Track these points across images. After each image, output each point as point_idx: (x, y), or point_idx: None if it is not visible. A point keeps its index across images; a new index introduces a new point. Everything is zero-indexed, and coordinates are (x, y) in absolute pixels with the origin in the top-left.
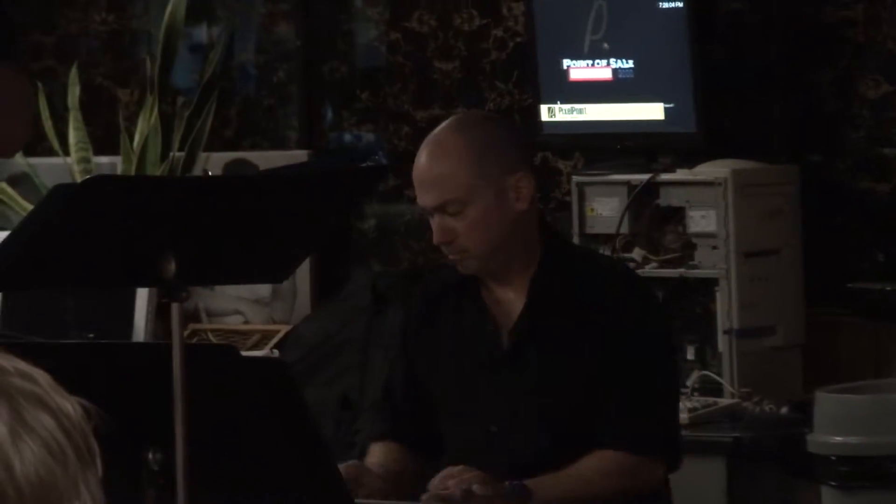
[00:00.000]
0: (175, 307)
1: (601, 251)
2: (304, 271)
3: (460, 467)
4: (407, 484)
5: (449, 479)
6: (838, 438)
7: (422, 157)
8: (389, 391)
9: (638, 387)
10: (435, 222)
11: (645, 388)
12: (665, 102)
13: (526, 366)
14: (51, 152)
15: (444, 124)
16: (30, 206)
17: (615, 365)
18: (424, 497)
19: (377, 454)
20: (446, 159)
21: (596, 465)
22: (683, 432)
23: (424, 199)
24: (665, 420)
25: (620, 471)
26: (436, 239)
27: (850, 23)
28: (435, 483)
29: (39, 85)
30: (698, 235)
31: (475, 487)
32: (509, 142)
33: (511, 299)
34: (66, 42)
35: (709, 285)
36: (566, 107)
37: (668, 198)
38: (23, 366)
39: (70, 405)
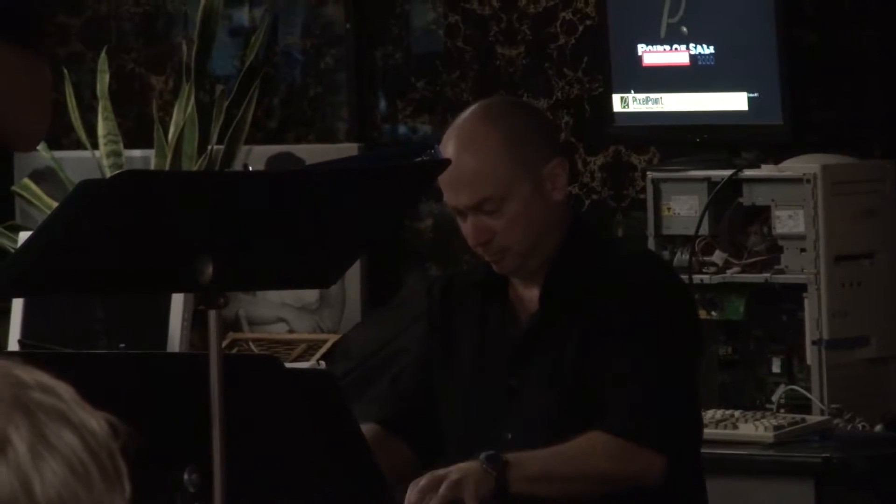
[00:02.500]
0: (212, 315)
1: (678, 254)
2: (353, 276)
3: (434, 481)
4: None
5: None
6: None
7: (449, 153)
8: (400, 381)
9: (638, 374)
10: (469, 223)
11: (646, 376)
12: (749, 92)
13: (539, 365)
14: (78, 145)
15: (468, 114)
16: (55, 204)
17: (618, 351)
18: None
19: (367, 437)
20: (480, 154)
21: (582, 445)
22: (767, 452)
23: (457, 198)
24: (665, 411)
25: (608, 453)
26: (472, 241)
27: None
28: (412, 499)
29: (65, 72)
30: (785, 237)
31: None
32: (541, 128)
33: (533, 296)
34: (94, 25)
35: (796, 291)
36: (641, 96)
37: (752, 196)
38: (45, 378)
39: (95, 421)
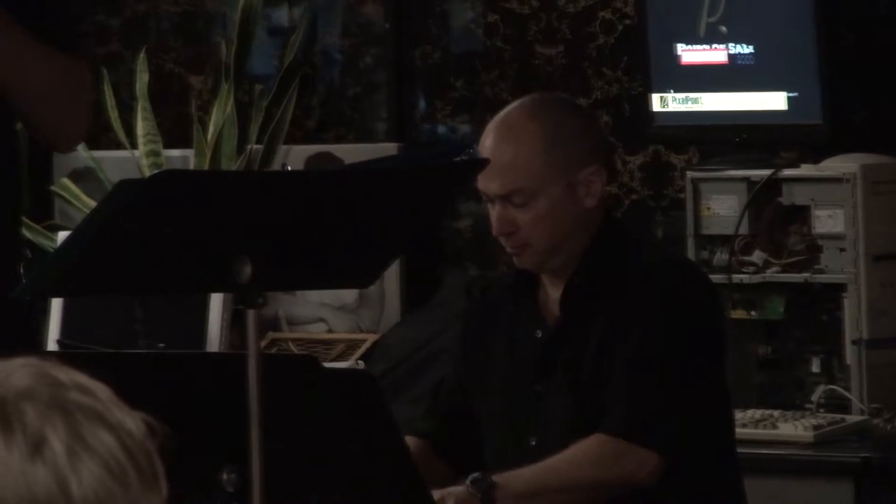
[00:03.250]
0: (251, 314)
1: (718, 253)
2: (393, 275)
3: None
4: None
5: None
6: None
7: (489, 140)
8: (441, 391)
9: (639, 374)
10: (496, 211)
11: (645, 376)
12: (788, 91)
13: (561, 369)
14: (117, 145)
15: (514, 106)
16: (93, 204)
17: (625, 353)
18: None
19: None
20: (517, 145)
21: (571, 454)
22: (807, 452)
23: (489, 185)
24: (663, 410)
25: (594, 459)
26: (496, 230)
27: None
28: None
29: (104, 72)
30: (824, 237)
31: None
32: (584, 131)
33: (559, 299)
34: (133, 25)
35: (836, 291)
36: (680, 96)
37: (792, 196)
38: (82, 379)
39: (132, 421)
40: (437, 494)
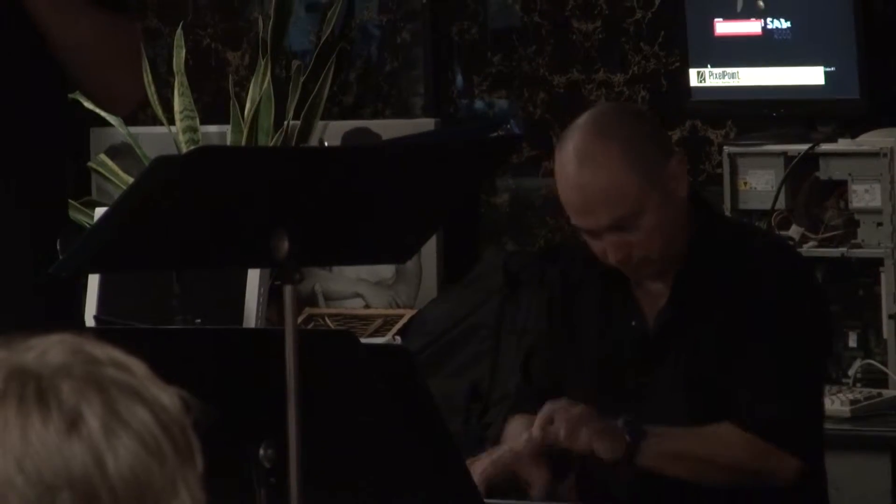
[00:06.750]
0: (288, 290)
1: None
2: (430, 251)
3: (562, 404)
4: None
5: (553, 419)
6: None
7: (572, 176)
8: (532, 371)
9: (776, 371)
10: (606, 241)
11: (784, 373)
12: (825, 66)
13: (671, 362)
14: (154, 121)
15: (580, 133)
16: (130, 180)
17: (756, 345)
18: (526, 438)
19: (522, 422)
20: (604, 173)
21: (719, 431)
22: (844, 426)
23: (590, 221)
24: (802, 412)
25: (746, 447)
26: (613, 259)
27: None
28: (537, 429)
29: (142, 47)
30: (861, 211)
31: (583, 432)
32: (653, 130)
33: (660, 289)
34: (171, 1)
35: (873, 266)
36: (717, 71)
37: (829, 170)
38: (118, 355)
39: (168, 397)
40: (577, 409)
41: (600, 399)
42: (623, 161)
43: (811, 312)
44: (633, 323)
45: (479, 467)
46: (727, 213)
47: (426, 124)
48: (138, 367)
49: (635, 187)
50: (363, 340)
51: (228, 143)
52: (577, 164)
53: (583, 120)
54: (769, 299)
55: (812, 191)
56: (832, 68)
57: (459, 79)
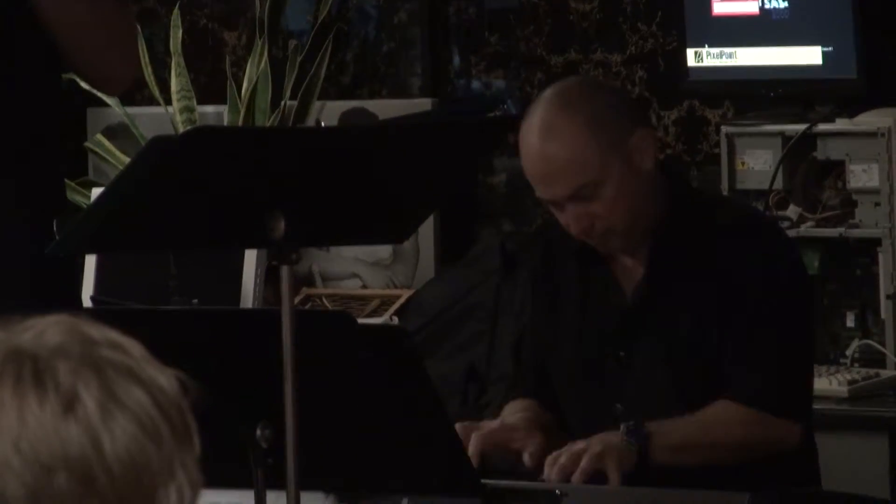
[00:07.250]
0: (284, 270)
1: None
2: (427, 231)
3: (574, 456)
4: (554, 436)
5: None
6: None
7: (534, 147)
8: (524, 352)
9: (759, 341)
10: (568, 213)
11: (766, 342)
12: (823, 46)
13: (651, 334)
14: (151, 101)
15: (542, 106)
16: (127, 160)
17: (739, 318)
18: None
19: (518, 406)
20: (566, 143)
21: (717, 413)
22: (841, 406)
23: (552, 191)
24: (790, 377)
25: (745, 421)
26: (576, 230)
27: None
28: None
29: (138, 28)
30: (859, 191)
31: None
32: (618, 103)
33: (635, 264)
34: None
35: (871, 246)
36: (714, 51)
37: (827, 150)
38: (114, 335)
39: (165, 378)
40: (583, 443)
41: (583, 372)
42: (584, 131)
43: (787, 279)
44: (612, 297)
45: (473, 441)
46: (725, 192)
47: (423, 104)
48: (135, 347)
49: (596, 157)
50: (360, 321)
51: (225, 123)
52: (539, 135)
53: (547, 93)
54: (746, 270)
55: (810, 171)
56: (830, 48)
57: (457, 59)
